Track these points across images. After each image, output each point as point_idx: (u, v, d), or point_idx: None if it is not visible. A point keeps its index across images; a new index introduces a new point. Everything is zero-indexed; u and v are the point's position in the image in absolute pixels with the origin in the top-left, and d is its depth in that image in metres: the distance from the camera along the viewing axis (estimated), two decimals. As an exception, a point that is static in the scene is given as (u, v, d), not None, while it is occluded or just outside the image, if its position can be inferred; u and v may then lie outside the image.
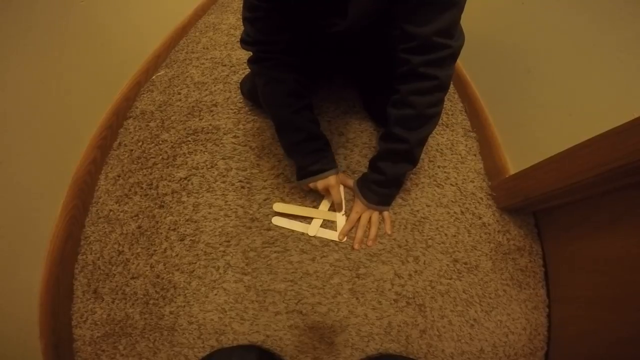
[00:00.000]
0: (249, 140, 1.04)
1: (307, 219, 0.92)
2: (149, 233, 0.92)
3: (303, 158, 0.87)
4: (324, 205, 0.93)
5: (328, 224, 0.91)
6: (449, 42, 0.63)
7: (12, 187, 0.74)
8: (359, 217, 0.90)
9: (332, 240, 0.89)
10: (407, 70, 0.68)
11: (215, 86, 1.18)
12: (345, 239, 0.89)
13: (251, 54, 0.79)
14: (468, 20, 0.67)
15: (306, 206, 0.93)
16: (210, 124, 1.07)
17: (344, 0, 0.64)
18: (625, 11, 0.59)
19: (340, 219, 0.91)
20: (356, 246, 0.88)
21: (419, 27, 0.62)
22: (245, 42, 0.77)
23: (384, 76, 0.86)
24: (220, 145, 1.04)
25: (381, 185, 0.85)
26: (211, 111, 1.11)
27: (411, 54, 0.66)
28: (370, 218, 0.89)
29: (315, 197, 0.94)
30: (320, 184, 0.87)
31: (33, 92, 0.79)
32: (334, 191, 0.87)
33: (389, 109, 0.77)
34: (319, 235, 0.90)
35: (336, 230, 0.90)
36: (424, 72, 0.66)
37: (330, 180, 0.86)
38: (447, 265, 0.87)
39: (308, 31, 0.84)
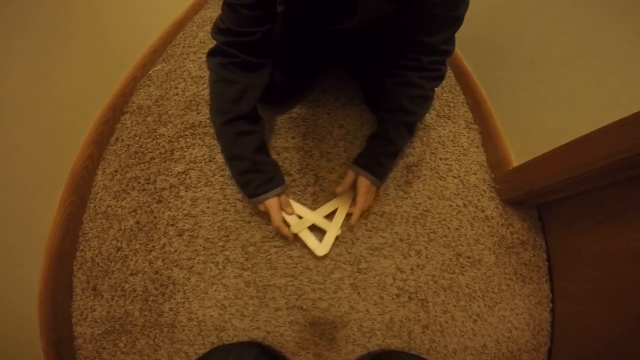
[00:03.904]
0: (247, 134, 1.03)
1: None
2: (147, 229, 0.91)
3: (235, 177, 0.84)
4: (325, 209, 0.88)
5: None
6: (450, 48, 0.76)
7: (8, 183, 0.73)
8: (363, 197, 0.84)
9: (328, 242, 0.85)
10: (415, 65, 0.77)
11: (213, 80, 1.15)
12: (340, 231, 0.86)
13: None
14: (470, 10, 0.69)
15: (306, 201, 0.91)
16: (207, 118, 1.06)
17: (354, 1, 0.67)
18: (632, 1, 0.58)
19: (331, 234, 0.85)
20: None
21: (428, 36, 0.72)
22: (217, 31, 0.72)
23: (385, 71, 0.85)
24: (218, 139, 1.02)
25: (390, 157, 0.86)
26: (208, 105, 1.09)
27: (419, 54, 0.76)
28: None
29: (315, 191, 0.93)
30: (261, 207, 0.83)
31: (28, 87, 0.77)
32: (271, 214, 0.81)
33: (397, 89, 0.80)
34: (300, 235, 0.85)
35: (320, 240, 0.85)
36: (431, 67, 0.77)
37: (269, 203, 0.81)
38: (450, 259, 0.86)
39: (310, 25, 0.82)
